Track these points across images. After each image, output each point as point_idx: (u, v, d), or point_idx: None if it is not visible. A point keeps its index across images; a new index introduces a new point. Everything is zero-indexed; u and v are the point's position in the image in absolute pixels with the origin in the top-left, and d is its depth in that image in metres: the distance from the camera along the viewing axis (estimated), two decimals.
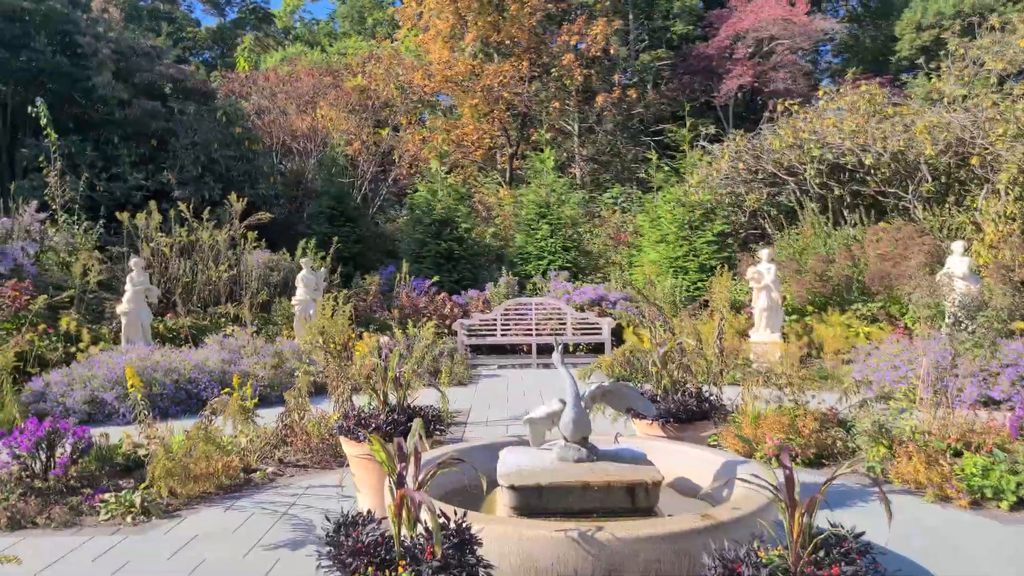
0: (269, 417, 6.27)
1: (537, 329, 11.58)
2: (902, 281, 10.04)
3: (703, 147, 16.15)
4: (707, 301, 12.01)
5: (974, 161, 11.52)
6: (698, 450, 3.80)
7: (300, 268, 10.92)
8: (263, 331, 10.48)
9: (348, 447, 4.09)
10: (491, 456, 3.83)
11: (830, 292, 11.01)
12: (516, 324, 11.71)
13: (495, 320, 11.68)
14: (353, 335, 6.19)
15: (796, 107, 14.75)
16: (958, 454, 5.27)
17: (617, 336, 11.52)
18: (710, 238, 13.36)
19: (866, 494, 4.73)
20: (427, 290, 12.89)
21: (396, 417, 3.98)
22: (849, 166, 13.16)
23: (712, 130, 20.54)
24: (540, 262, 14.49)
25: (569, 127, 25.13)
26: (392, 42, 27.10)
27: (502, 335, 11.60)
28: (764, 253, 9.95)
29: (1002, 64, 12.04)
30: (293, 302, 10.60)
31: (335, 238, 13.29)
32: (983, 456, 4.91)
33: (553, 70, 23.44)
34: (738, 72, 26.00)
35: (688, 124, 16.98)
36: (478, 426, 7.00)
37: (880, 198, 13.46)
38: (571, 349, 12.01)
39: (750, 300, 10.60)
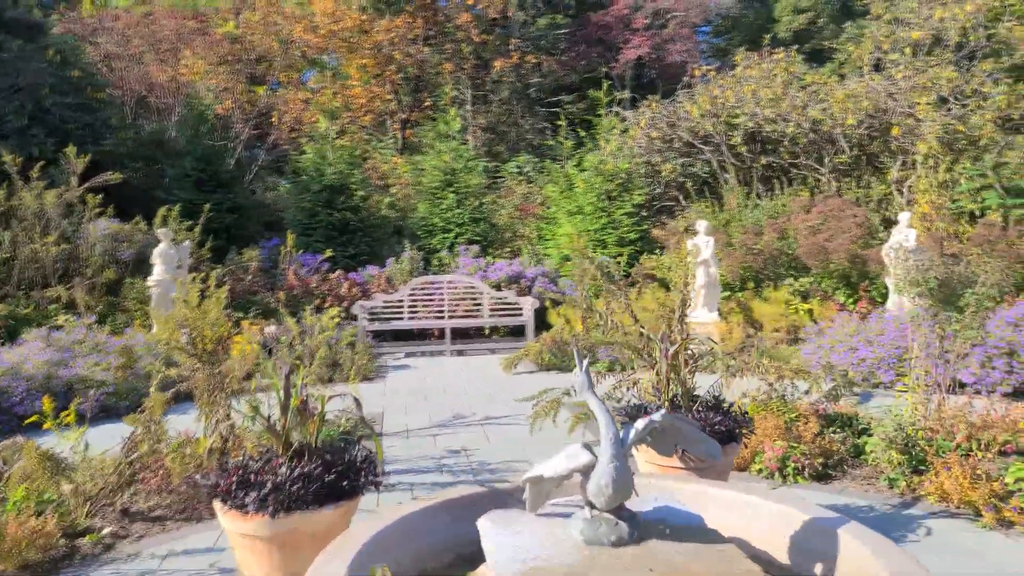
0: (112, 439, 4.59)
1: (450, 311, 10.21)
2: (838, 255, 9.56)
3: (617, 113, 15.24)
4: (633, 278, 11.12)
5: (895, 132, 11.27)
6: (759, 499, 2.64)
7: (159, 241, 8.90)
8: (109, 320, 8.42)
9: (228, 520, 2.59)
10: (451, 521, 2.55)
11: (761, 266, 10.42)
12: (425, 306, 10.27)
13: (401, 301, 10.19)
14: (228, 324, 4.60)
15: (713, 73, 14.14)
16: (967, 454, 4.57)
17: (540, 317, 10.38)
18: (629, 209, 12.48)
19: (907, 520, 3.82)
20: (318, 267, 11.16)
21: (307, 469, 2.54)
22: (773, 134, 12.66)
23: (627, 95, 19.76)
24: (446, 235, 13.05)
25: (462, 95, 23.60)
26: None
27: (410, 318, 10.13)
28: (702, 226, 9.11)
29: (919, 35, 11.87)
30: (149, 283, 8.59)
31: (205, 206, 11.17)
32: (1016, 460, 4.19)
33: (448, 28, 21.78)
34: (636, 42, 25.48)
35: (605, 87, 15.99)
36: (397, 438, 5.59)
37: (793, 169, 13.12)
38: (487, 333, 10.74)
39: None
